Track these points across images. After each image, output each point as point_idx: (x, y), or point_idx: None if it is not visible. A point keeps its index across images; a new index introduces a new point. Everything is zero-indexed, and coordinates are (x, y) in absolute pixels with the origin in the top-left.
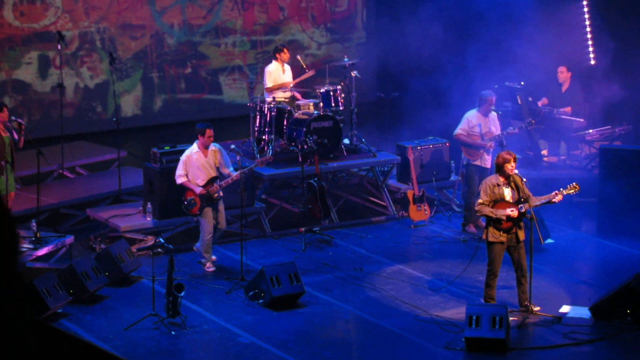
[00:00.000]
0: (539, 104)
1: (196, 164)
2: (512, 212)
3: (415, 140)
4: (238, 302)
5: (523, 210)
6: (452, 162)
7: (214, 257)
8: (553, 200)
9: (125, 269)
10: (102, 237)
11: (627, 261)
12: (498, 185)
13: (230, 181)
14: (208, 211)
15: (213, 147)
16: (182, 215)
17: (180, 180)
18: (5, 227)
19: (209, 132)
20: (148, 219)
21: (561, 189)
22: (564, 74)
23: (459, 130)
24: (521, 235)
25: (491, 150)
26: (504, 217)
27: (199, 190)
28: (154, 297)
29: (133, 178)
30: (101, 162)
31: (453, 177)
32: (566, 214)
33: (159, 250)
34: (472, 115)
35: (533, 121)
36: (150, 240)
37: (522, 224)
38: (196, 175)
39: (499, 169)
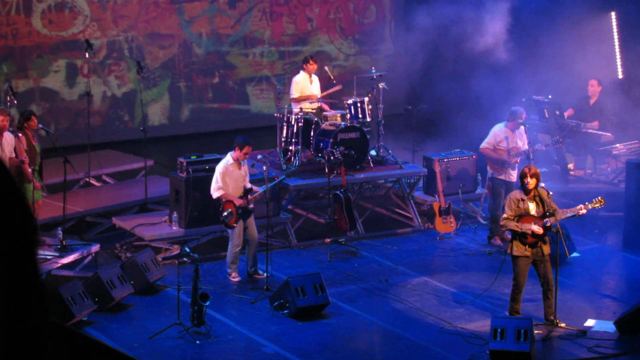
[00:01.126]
0: (565, 114)
1: (232, 175)
2: (538, 228)
3: (442, 153)
4: (263, 312)
5: (548, 224)
6: (478, 174)
7: (264, 274)
8: (578, 213)
9: (150, 278)
10: (128, 245)
11: None
12: (522, 199)
13: (262, 193)
14: (240, 223)
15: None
16: (208, 225)
17: (218, 193)
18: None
19: (248, 149)
20: (174, 228)
21: (586, 203)
22: (594, 87)
23: (485, 144)
24: (546, 249)
25: (516, 165)
26: (530, 232)
27: (240, 201)
28: (179, 306)
29: (159, 187)
30: (128, 170)
31: (479, 190)
32: (592, 228)
33: (185, 259)
34: (499, 130)
35: (560, 139)
36: (176, 250)
37: (547, 238)
38: (233, 187)
39: (521, 183)
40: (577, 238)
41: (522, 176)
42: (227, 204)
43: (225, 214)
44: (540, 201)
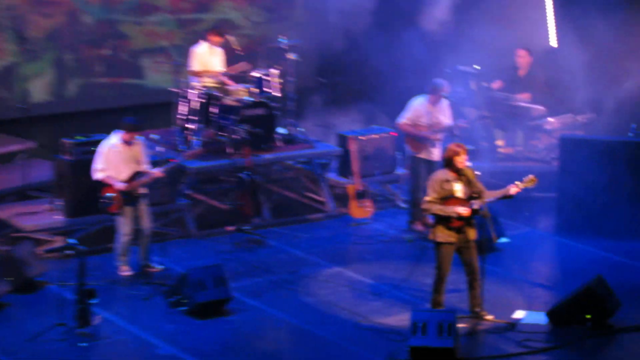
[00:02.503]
0: (493, 87)
1: (118, 157)
2: (464, 210)
3: (358, 130)
4: (157, 310)
5: (475, 207)
6: (398, 153)
7: (158, 267)
8: (508, 194)
9: (30, 274)
10: (5, 237)
11: (587, 261)
12: (447, 180)
13: (153, 177)
14: (128, 210)
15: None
16: (96, 214)
17: (98, 175)
18: None
19: (135, 133)
20: (57, 217)
21: (517, 182)
22: (524, 59)
23: (404, 120)
24: (472, 234)
25: (438, 142)
26: (455, 215)
27: (119, 185)
28: (63, 304)
29: (41, 172)
30: (5, 153)
31: (399, 171)
32: (523, 210)
33: (69, 252)
34: (419, 104)
35: (486, 114)
36: (59, 241)
37: (473, 221)
38: (118, 169)
39: (448, 163)
40: (506, 222)
41: (453, 154)
42: (107, 188)
43: (102, 199)
44: (467, 182)
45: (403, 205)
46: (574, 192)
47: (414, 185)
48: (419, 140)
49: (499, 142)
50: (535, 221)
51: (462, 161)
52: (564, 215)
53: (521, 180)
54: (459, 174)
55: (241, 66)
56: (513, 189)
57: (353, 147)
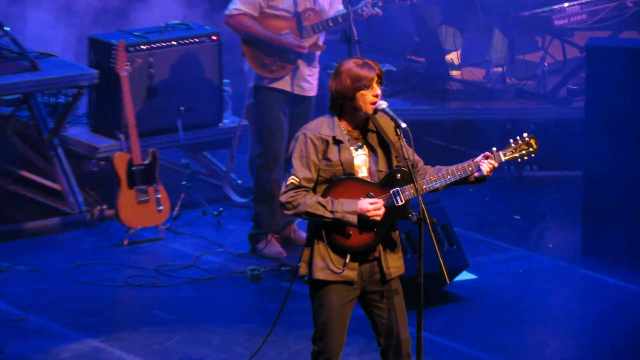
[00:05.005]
0: None
1: None
2: (374, 207)
3: (137, 30)
4: None
5: (400, 202)
6: (226, 83)
7: None
8: (473, 174)
9: None
10: None
11: None
12: (337, 141)
13: None
14: None
15: None
16: None
17: None
18: None
19: None
20: None
21: (494, 150)
22: None
23: (237, 6)
24: (394, 264)
25: (317, 55)
26: (354, 221)
27: None
28: None
29: None
30: None
31: (228, 121)
32: (508, 209)
33: None
34: None
35: None
36: None
37: (396, 234)
38: None
39: (341, 102)
40: (471, 236)
41: (353, 82)
42: None
43: None
44: (380, 146)
45: (237, 198)
46: (611, 165)
47: (263, 152)
48: (271, 52)
49: (452, 57)
50: (535, 235)
51: (371, 98)
52: (593, 217)
53: (504, 147)
54: (363, 129)
55: None
56: (485, 167)
57: (124, 67)
